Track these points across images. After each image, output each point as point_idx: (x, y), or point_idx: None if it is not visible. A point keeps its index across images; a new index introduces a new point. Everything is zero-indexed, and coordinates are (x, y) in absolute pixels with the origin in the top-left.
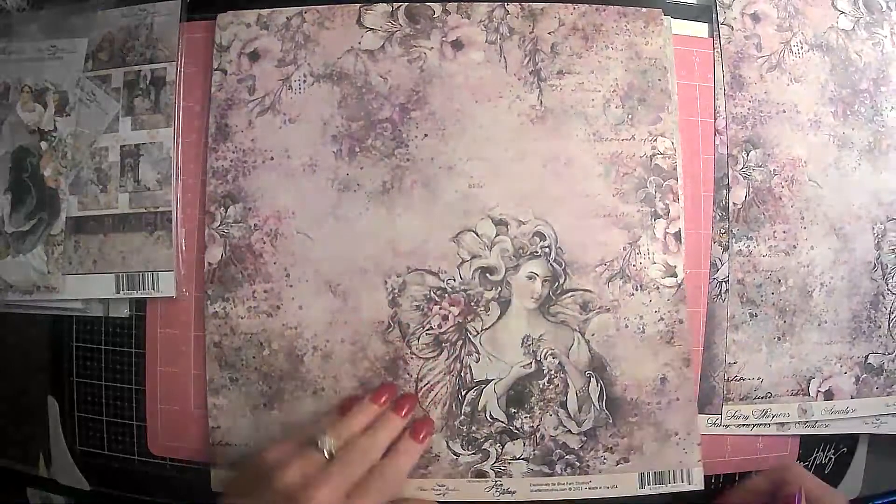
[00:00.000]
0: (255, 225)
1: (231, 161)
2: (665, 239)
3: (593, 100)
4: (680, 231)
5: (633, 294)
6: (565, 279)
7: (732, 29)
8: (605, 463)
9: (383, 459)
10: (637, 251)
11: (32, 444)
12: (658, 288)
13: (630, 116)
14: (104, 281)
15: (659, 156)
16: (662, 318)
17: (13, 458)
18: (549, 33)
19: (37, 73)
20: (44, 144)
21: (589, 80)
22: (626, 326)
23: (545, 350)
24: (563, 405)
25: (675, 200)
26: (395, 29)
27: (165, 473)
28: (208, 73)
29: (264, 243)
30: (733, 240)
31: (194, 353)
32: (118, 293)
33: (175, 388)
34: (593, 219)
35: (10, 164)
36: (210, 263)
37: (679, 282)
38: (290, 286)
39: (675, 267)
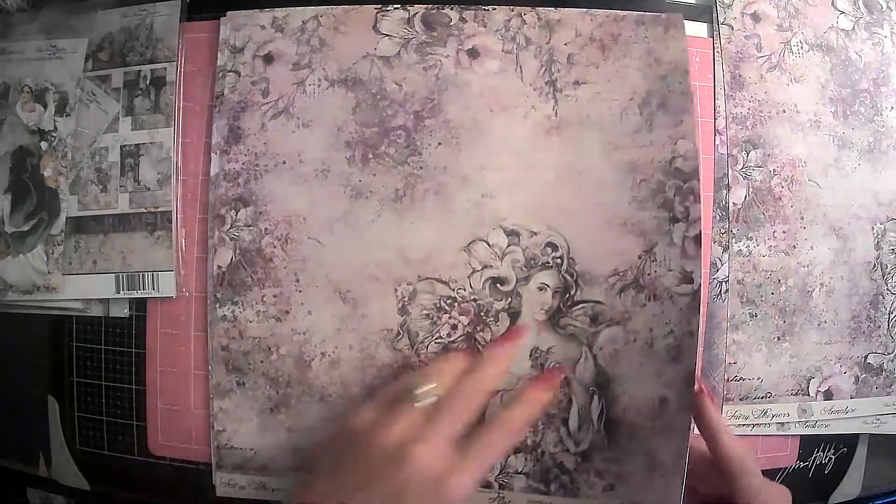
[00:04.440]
0: (266, 229)
1: (243, 164)
2: (684, 243)
3: (610, 109)
4: (700, 234)
5: (644, 304)
6: (577, 290)
7: (732, 29)
8: (592, 488)
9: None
10: (653, 258)
11: (32, 444)
12: (671, 297)
13: (648, 123)
14: (104, 281)
15: (679, 158)
16: (672, 331)
17: (13, 458)
18: (565, 44)
19: (37, 73)
20: (44, 144)
21: (605, 90)
22: (635, 340)
23: (552, 363)
24: (565, 422)
25: (696, 202)
26: (412, 36)
27: (165, 473)
28: (209, 73)
29: (275, 248)
30: (733, 240)
31: (195, 353)
32: (118, 293)
33: (175, 388)
34: (608, 228)
35: (10, 164)
36: (219, 266)
37: (695, 288)
38: (300, 291)
39: (693, 272)
